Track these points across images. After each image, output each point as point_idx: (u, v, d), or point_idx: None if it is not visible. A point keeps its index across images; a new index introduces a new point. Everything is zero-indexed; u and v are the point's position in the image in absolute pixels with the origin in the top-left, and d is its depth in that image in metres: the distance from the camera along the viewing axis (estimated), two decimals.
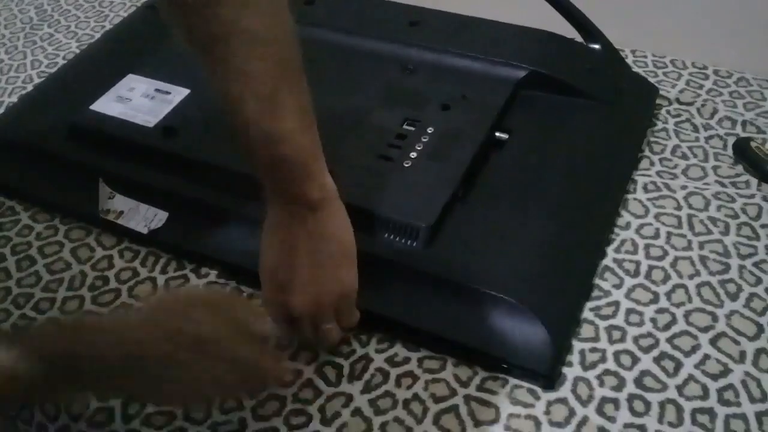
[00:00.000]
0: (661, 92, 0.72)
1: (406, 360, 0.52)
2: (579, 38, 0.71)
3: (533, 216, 0.56)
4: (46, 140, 0.67)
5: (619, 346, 0.52)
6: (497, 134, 0.63)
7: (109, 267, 0.61)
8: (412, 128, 0.62)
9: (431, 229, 0.54)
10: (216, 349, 0.44)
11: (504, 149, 0.62)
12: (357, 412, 0.50)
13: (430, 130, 0.61)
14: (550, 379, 0.50)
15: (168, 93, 0.68)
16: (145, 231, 0.60)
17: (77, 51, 0.84)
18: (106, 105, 0.67)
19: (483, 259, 0.53)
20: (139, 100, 0.67)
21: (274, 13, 0.46)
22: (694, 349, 0.52)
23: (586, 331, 0.53)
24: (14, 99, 0.79)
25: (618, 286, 0.56)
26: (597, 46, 0.70)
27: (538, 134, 0.63)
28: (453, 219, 0.56)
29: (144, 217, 0.60)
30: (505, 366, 0.51)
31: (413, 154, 0.59)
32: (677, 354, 0.52)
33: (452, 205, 0.56)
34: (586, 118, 0.64)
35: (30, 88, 0.80)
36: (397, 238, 0.54)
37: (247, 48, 0.45)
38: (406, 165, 0.59)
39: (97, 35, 0.87)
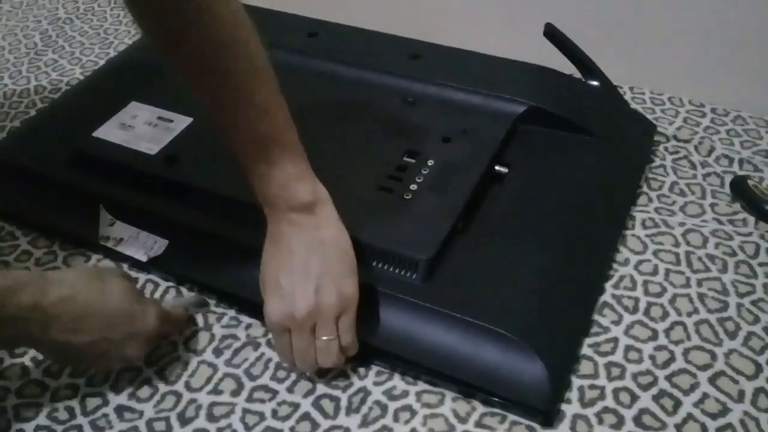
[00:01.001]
0: (659, 129, 0.72)
1: (405, 393, 0.52)
2: (577, 74, 0.72)
3: (532, 251, 0.57)
4: (48, 165, 0.67)
5: (618, 383, 0.52)
6: (497, 168, 0.63)
7: None
8: (413, 160, 0.62)
9: (431, 262, 0.54)
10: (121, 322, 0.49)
11: (503, 183, 0.63)
12: None
13: (430, 162, 0.62)
14: (548, 415, 0.50)
15: (171, 121, 0.68)
16: (144, 258, 0.60)
17: (81, 77, 0.85)
18: (109, 132, 0.67)
19: (481, 293, 0.53)
20: (141, 128, 0.67)
21: (249, 26, 0.47)
22: (693, 387, 0.52)
23: (585, 367, 0.53)
24: (17, 123, 0.79)
25: (617, 323, 0.56)
26: (596, 83, 0.71)
27: (538, 169, 0.64)
28: (452, 252, 0.56)
29: (144, 244, 0.60)
30: (502, 402, 0.50)
31: (413, 186, 0.60)
32: (676, 392, 0.51)
33: (452, 238, 0.57)
34: (584, 153, 0.65)
35: (33, 113, 0.80)
36: (397, 271, 0.55)
37: (238, 59, 0.47)
38: (407, 197, 0.59)
39: (102, 62, 0.87)
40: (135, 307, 0.51)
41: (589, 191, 0.63)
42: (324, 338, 0.50)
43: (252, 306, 0.52)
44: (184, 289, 0.61)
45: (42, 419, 0.52)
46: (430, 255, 0.54)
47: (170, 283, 0.61)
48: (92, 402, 0.53)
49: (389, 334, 0.53)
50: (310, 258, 0.49)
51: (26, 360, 0.56)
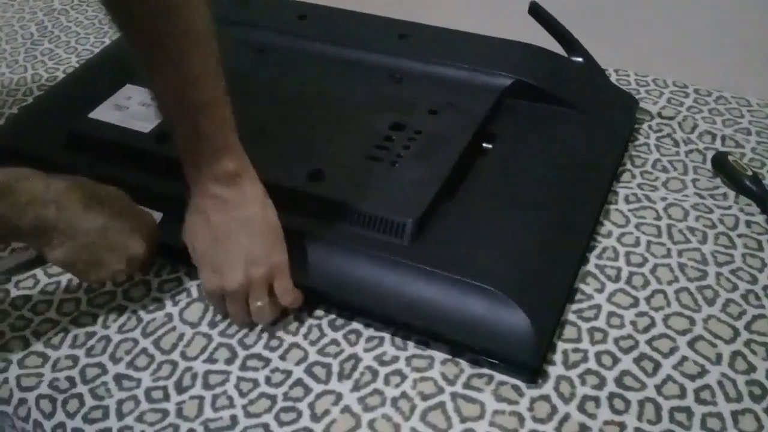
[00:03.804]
0: (644, 108, 0.74)
1: (395, 359, 0.54)
2: (561, 53, 0.74)
3: (518, 216, 0.59)
4: (45, 148, 0.69)
5: (601, 347, 0.54)
6: (484, 145, 0.65)
7: None
8: (400, 132, 0.65)
9: (417, 224, 0.56)
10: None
11: (489, 154, 0.65)
12: (346, 409, 0.51)
13: (416, 133, 0.64)
14: (533, 370, 0.51)
15: None
16: None
17: (77, 65, 0.87)
18: (104, 113, 0.69)
19: (468, 254, 0.55)
20: (135, 108, 0.69)
21: None
22: (672, 351, 0.54)
23: (568, 332, 0.55)
24: (15, 110, 0.81)
25: (600, 291, 0.58)
26: (579, 59, 0.73)
27: (523, 141, 0.66)
28: (440, 217, 0.58)
29: None
30: (490, 362, 0.52)
31: (400, 155, 0.62)
32: (656, 355, 0.53)
33: (438, 203, 0.58)
34: (568, 126, 0.67)
35: (30, 100, 0.82)
36: (385, 233, 0.56)
37: (175, 22, 0.49)
38: (394, 165, 0.61)
39: (97, 51, 0.89)
40: (134, 205, 0.56)
41: (572, 162, 0.65)
42: (257, 304, 0.54)
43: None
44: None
45: (43, 388, 0.54)
46: (417, 216, 0.56)
47: (164, 260, 0.63)
48: (91, 371, 0.55)
49: (379, 294, 0.55)
50: (238, 235, 0.53)
51: (27, 333, 0.58)
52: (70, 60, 0.88)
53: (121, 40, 0.85)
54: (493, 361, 0.52)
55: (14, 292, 0.61)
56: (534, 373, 0.51)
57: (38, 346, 0.57)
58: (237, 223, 0.53)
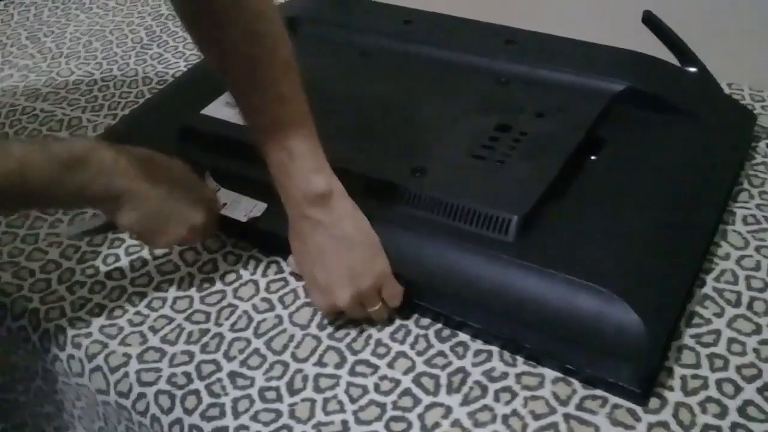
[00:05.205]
0: (761, 124, 0.71)
1: (504, 375, 0.53)
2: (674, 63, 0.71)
3: (628, 220, 0.57)
4: (159, 142, 0.71)
5: (722, 374, 0.52)
6: (593, 150, 0.64)
7: (213, 270, 0.64)
8: (506, 133, 0.64)
9: (524, 221, 0.55)
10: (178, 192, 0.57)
11: (600, 158, 0.63)
12: (456, 423, 0.51)
13: (522, 134, 0.64)
14: (646, 379, 0.50)
15: None
16: (243, 219, 0.63)
17: (185, 69, 0.90)
18: (215, 109, 0.72)
19: (575, 253, 0.54)
20: None
21: (275, 18, 0.53)
22: None
23: (687, 357, 0.53)
24: (126, 112, 0.84)
25: (719, 315, 0.56)
26: (693, 69, 0.70)
27: (633, 147, 0.64)
28: (545, 218, 0.57)
29: (244, 207, 0.64)
30: (600, 378, 0.51)
31: (507, 155, 0.62)
32: None
33: (545, 203, 0.58)
34: (681, 136, 0.65)
35: (142, 101, 0.85)
36: (491, 230, 0.56)
37: (268, 64, 0.52)
38: (499, 164, 0.61)
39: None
40: (196, 178, 0.60)
41: (685, 172, 0.63)
42: (371, 309, 0.56)
43: None
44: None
45: (162, 384, 0.56)
46: (523, 212, 0.55)
47: (273, 257, 0.64)
48: (206, 368, 0.56)
49: (483, 290, 0.55)
50: (337, 253, 0.54)
51: (144, 329, 0.60)
52: (178, 64, 0.91)
53: None
54: (601, 369, 0.51)
55: (130, 289, 0.64)
56: (647, 382, 0.50)
57: (155, 341, 0.59)
58: (334, 242, 0.54)
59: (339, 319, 0.58)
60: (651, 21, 0.70)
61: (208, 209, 0.60)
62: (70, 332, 0.60)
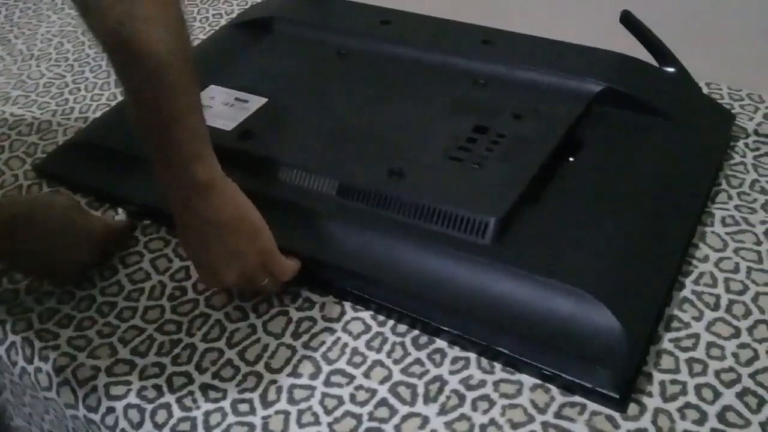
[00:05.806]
0: (739, 124, 0.71)
1: (482, 383, 0.53)
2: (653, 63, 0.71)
3: (606, 222, 0.57)
4: (130, 143, 0.69)
5: (701, 380, 0.51)
6: (571, 151, 0.63)
7: (186, 278, 0.63)
8: (483, 134, 0.64)
9: (500, 223, 0.55)
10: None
11: (577, 160, 0.63)
12: None
13: (500, 136, 0.63)
14: (624, 384, 0.49)
15: (246, 101, 0.72)
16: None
17: None
18: None
19: (552, 256, 0.54)
20: (219, 108, 0.71)
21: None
22: None
23: (666, 362, 0.52)
24: (98, 114, 0.82)
25: (698, 319, 0.55)
26: (671, 69, 0.70)
27: (612, 149, 0.64)
28: (523, 220, 0.57)
29: None
30: (578, 383, 0.50)
31: (483, 157, 0.61)
32: (761, 390, 0.50)
33: (522, 205, 0.57)
34: (660, 136, 0.65)
35: (114, 105, 0.83)
36: (467, 233, 0.56)
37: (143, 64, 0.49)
38: (476, 166, 0.60)
39: None
40: (77, 219, 0.62)
41: (664, 173, 0.62)
42: (259, 285, 0.57)
43: (324, 282, 0.57)
44: None
45: (132, 398, 0.54)
46: (500, 215, 0.55)
47: None
48: (177, 380, 0.55)
49: (460, 294, 0.54)
50: (220, 237, 0.54)
51: (114, 340, 0.58)
52: None
53: (203, 44, 0.88)
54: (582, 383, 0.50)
55: (99, 299, 0.62)
56: (625, 387, 0.49)
57: (125, 354, 0.57)
58: (216, 228, 0.54)
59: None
60: (629, 21, 0.70)
61: (93, 246, 0.62)
62: (38, 344, 0.59)
